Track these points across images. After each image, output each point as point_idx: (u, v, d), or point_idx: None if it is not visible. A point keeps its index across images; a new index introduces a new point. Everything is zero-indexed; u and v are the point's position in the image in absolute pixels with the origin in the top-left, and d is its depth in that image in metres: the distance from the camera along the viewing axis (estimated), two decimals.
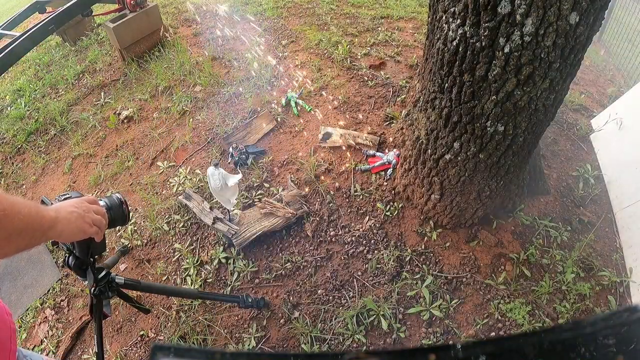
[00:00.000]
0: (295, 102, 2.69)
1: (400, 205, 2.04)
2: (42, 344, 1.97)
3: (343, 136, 2.39)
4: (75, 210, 0.82)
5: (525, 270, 1.77)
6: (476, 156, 1.54)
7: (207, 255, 2.03)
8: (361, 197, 2.12)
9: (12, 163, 3.00)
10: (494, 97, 1.31)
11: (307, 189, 2.20)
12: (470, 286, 1.77)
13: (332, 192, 2.16)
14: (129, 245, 2.18)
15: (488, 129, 1.42)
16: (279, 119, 2.64)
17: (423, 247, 1.90)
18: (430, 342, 1.65)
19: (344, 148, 2.38)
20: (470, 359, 0.24)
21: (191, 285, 1.94)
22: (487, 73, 1.26)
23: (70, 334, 1.91)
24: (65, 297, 2.11)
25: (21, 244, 0.68)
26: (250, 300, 1.72)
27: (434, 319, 1.69)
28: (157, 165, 2.57)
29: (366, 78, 2.86)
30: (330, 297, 1.81)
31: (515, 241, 1.88)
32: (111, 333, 1.89)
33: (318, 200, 2.15)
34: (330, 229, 2.03)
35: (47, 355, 1.89)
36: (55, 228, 0.76)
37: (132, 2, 3.26)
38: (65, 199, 0.89)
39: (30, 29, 2.91)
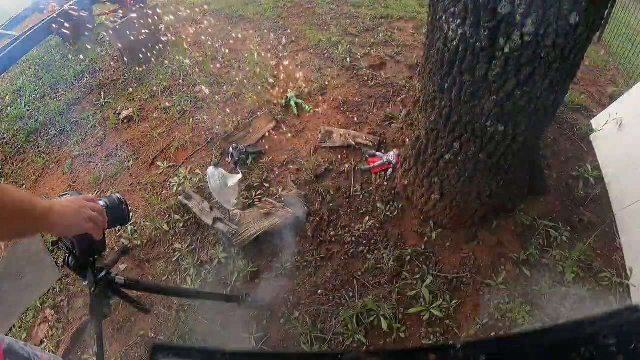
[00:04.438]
0: (295, 102, 2.69)
1: (400, 205, 2.04)
2: (42, 344, 1.96)
3: (343, 136, 2.39)
4: (71, 205, 0.84)
5: (525, 270, 1.77)
6: (476, 156, 1.53)
7: (207, 255, 2.03)
8: (361, 197, 2.12)
9: (12, 163, 3.00)
10: (494, 97, 1.31)
11: (307, 189, 2.20)
12: (470, 286, 1.77)
13: (332, 192, 2.16)
14: (129, 245, 2.18)
15: (488, 129, 1.42)
16: (279, 119, 2.64)
17: (423, 247, 1.90)
18: (430, 342, 1.65)
19: (344, 148, 2.38)
20: (470, 359, 0.24)
21: (191, 285, 1.94)
22: (487, 73, 1.26)
23: (70, 334, 1.91)
24: (65, 297, 2.11)
25: (12, 229, 0.72)
26: (250, 300, 1.72)
27: (434, 319, 1.69)
28: (157, 165, 2.57)
29: (366, 78, 2.86)
30: (330, 297, 1.81)
31: (515, 241, 1.88)
32: (111, 333, 1.89)
33: (318, 200, 2.15)
34: (330, 229, 2.03)
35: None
36: (48, 218, 0.77)
37: (132, 0, 3.26)
38: None
39: (30, 29, 2.92)
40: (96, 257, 1.08)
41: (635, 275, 1.70)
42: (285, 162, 2.37)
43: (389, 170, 2.17)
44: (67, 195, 0.91)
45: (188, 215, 2.21)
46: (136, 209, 2.36)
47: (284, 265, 1.92)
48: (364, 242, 1.96)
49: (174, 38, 3.65)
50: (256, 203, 2.14)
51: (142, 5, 3.34)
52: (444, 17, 1.31)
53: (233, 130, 2.61)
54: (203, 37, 3.67)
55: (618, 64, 3.06)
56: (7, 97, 3.60)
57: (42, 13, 3.60)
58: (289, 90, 2.79)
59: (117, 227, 2.24)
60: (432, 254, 1.88)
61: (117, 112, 3.05)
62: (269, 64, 3.12)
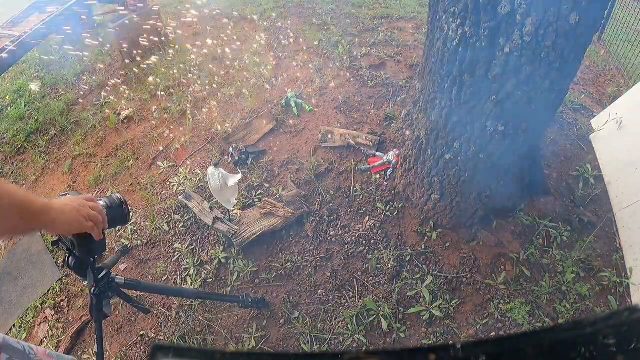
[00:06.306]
0: (295, 102, 2.69)
1: (400, 205, 2.04)
2: (42, 344, 1.96)
3: (343, 136, 2.39)
4: (70, 203, 0.85)
5: (525, 270, 1.77)
6: (476, 156, 1.53)
7: (207, 255, 2.03)
8: (361, 197, 2.12)
9: (12, 163, 3.00)
10: (494, 97, 1.31)
11: (307, 189, 2.20)
12: (470, 286, 1.77)
13: (332, 192, 2.16)
14: (129, 245, 2.18)
15: (488, 129, 1.42)
16: (279, 119, 2.64)
17: (423, 247, 1.90)
18: (430, 342, 1.65)
19: (344, 148, 2.37)
20: (470, 359, 0.24)
21: (191, 285, 1.94)
22: (487, 73, 1.26)
23: (70, 334, 1.91)
24: (65, 297, 2.11)
25: (10, 224, 0.73)
26: (250, 300, 1.72)
27: (434, 319, 1.69)
28: (157, 165, 2.57)
29: (366, 78, 2.86)
30: (330, 297, 1.81)
31: (515, 241, 1.88)
32: (111, 333, 1.89)
33: (318, 200, 2.15)
34: (330, 229, 2.03)
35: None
36: (47, 214, 0.78)
37: (132, 0, 3.26)
38: None
39: (31, 29, 2.91)
40: (96, 257, 1.08)
41: (635, 275, 1.70)
42: (285, 162, 2.37)
43: (389, 170, 2.17)
44: (67, 195, 0.91)
45: (188, 215, 2.21)
46: (136, 209, 2.36)
47: (284, 265, 1.92)
48: (364, 242, 1.96)
49: (174, 38, 3.65)
50: (256, 203, 2.14)
51: (142, 5, 3.34)
52: (444, 17, 1.31)
53: (233, 130, 2.61)
54: (203, 37, 3.67)
55: (618, 64, 3.06)
56: (7, 97, 3.61)
57: (42, 13, 3.60)
58: (288, 90, 2.79)
59: (117, 227, 2.25)
60: (432, 254, 1.88)
61: (117, 112, 3.05)
62: (269, 63, 3.12)
